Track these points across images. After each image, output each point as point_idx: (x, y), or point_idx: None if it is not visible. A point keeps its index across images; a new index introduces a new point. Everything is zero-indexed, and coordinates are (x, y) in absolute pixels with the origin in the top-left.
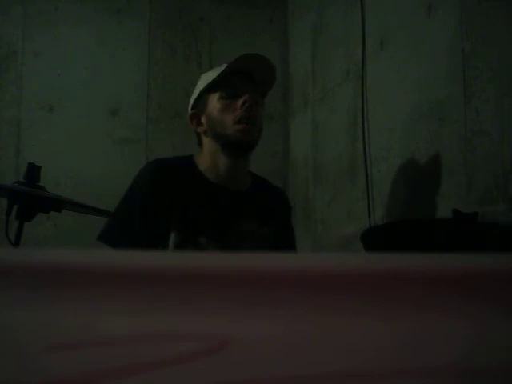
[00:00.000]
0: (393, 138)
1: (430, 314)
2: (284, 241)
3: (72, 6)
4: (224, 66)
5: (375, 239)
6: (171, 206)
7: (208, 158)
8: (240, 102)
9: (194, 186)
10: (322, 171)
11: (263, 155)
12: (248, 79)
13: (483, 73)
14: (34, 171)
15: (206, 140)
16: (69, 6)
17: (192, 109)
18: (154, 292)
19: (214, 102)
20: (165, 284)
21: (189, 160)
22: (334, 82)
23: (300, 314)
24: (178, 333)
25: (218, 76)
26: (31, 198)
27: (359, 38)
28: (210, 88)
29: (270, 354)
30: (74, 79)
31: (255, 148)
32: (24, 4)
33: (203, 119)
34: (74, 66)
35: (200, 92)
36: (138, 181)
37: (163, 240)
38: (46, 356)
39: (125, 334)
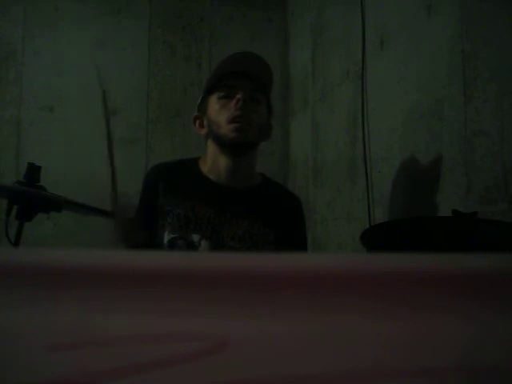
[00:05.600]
0: (393, 138)
1: (430, 314)
2: (290, 245)
3: (72, 6)
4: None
5: (375, 239)
6: (164, 204)
7: (210, 159)
8: (234, 101)
9: (191, 185)
10: (322, 171)
11: (263, 155)
12: (242, 78)
13: (483, 73)
14: (34, 171)
15: (208, 142)
16: (69, 6)
17: (197, 112)
18: (154, 292)
19: (213, 104)
20: (165, 284)
21: (191, 161)
22: (334, 82)
23: (300, 314)
24: (178, 333)
25: (212, 78)
26: (31, 198)
27: (359, 38)
28: (210, 90)
29: (269, 354)
30: (74, 79)
31: (255, 147)
32: (24, 4)
33: (205, 121)
34: (74, 66)
35: (203, 95)
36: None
37: (155, 237)
38: (46, 356)
39: (125, 334)
